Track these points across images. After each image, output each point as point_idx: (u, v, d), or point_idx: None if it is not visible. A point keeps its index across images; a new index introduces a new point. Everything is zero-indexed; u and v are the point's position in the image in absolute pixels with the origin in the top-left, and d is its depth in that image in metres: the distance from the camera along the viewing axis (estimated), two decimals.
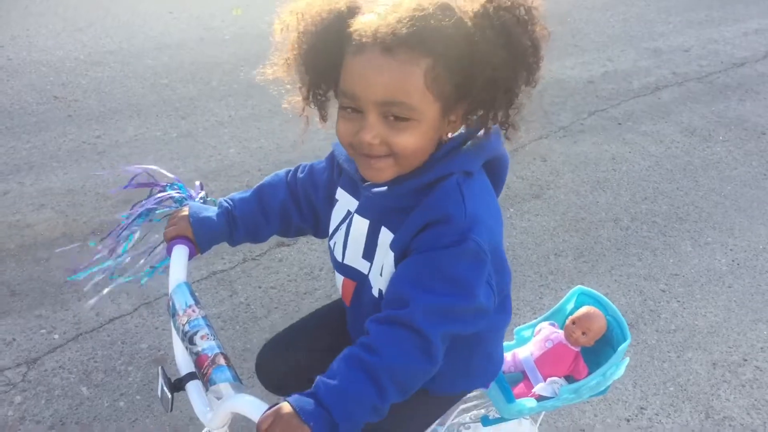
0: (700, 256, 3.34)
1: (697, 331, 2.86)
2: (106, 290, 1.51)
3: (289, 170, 1.57)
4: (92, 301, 1.54)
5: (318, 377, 1.15)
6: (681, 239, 3.46)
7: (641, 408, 2.47)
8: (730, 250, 3.40)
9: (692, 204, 3.78)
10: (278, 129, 4.05)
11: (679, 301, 3.02)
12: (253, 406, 1.12)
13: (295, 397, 1.11)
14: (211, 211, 1.48)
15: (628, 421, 2.41)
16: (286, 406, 1.09)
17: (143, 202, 1.50)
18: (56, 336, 2.53)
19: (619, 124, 4.66)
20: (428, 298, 1.19)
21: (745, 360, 2.73)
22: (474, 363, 1.51)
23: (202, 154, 3.82)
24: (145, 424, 2.23)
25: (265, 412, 1.10)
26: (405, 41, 1.12)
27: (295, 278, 2.96)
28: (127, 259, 1.47)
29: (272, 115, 4.18)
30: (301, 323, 1.72)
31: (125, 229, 1.47)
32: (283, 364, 1.66)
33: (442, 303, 1.20)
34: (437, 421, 1.70)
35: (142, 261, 1.48)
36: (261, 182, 1.56)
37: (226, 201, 1.52)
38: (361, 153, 1.22)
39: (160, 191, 1.50)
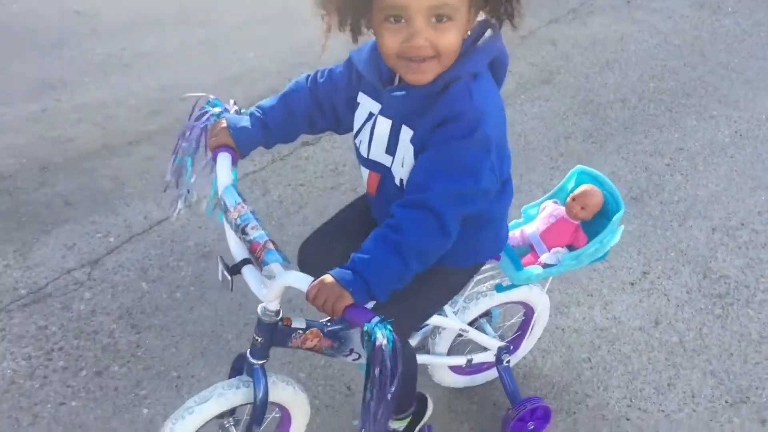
0: (704, 130, 3.50)
1: (698, 200, 3.07)
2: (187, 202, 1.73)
3: (309, 75, 1.74)
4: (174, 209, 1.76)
5: (353, 254, 1.39)
6: (686, 114, 3.61)
7: (644, 272, 2.72)
8: (734, 122, 3.56)
9: (699, 79, 3.89)
10: (292, 30, 4.16)
11: (682, 174, 3.22)
12: (301, 279, 1.37)
13: (335, 270, 1.36)
14: (246, 121, 1.68)
15: (632, 284, 2.67)
16: (328, 277, 1.34)
17: (186, 124, 1.69)
18: (111, 239, 2.81)
19: (628, 2, 4.70)
20: (444, 185, 1.41)
21: (743, 224, 2.94)
22: (484, 238, 1.74)
23: (222, 60, 3.97)
24: (200, 311, 2.52)
25: (312, 283, 1.34)
26: None
27: (322, 175, 3.18)
28: (193, 179, 1.69)
29: (285, 16, 4.28)
30: (332, 220, 1.95)
31: (182, 154, 1.68)
32: (321, 256, 1.89)
33: (455, 187, 1.42)
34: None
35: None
36: (285, 90, 1.73)
37: (257, 110, 1.71)
38: (408, 59, 1.39)
39: (201, 111, 1.69)
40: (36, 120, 3.44)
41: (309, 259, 1.92)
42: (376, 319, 1.30)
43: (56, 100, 3.60)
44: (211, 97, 1.72)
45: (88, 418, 2.15)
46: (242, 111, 1.75)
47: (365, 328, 1.29)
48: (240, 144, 1.65)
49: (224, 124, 1.65)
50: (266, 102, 1.73)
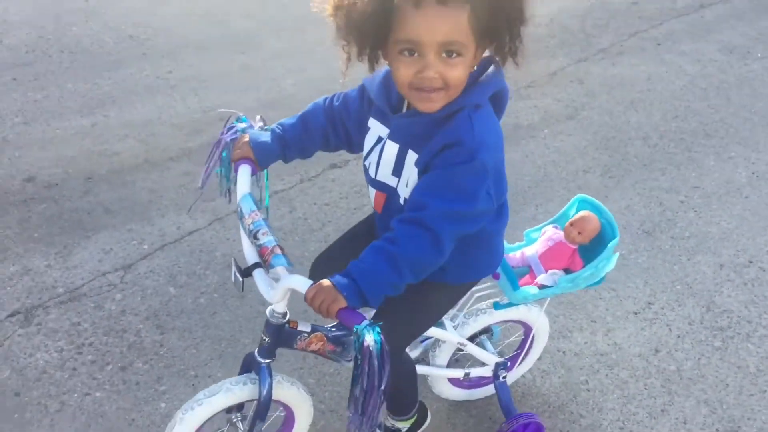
0: (721, 170, 3.58)
1: (709, 237, 3.14)
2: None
3: (327, 98, 1.91)
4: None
5: (351, 262, 1.53)
6: (705, 154, 3.70)
7: (649, 303, 2.80)
8: (752, 163, 3.62)
9: (721, 121, 3.97)
10: (328, 60, 4.35)
11: (695, 211, 3.30)
12: (301, 282, 1.51)
13: (334, 275, 1.50)
14: (266, 136, 1.84)
15: (636, 313, 2.75)
16: (326, 281, 1.48)
17: (220, 137, 1.87)
18: (146, 246, 3.00)
19: (659, 44, 4.81)
20: (441, 204, 1.54)
21: (751, 262, 3.01)
22: (480, 257, 1.87)
23: (262, 86, 4.19)
24: (222, 316, 2.69)
25: (311, 286, 1.49)
26: None
27: (347, 195, 3.34)
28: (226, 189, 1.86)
29: (324, 45, 4.48)
30: (342, 237, 2.10)
31: (213, 163, 1.86)
32: (330, 270, 2.03)
33: (450, 208, 1.56)
34: (457, 307, 2.08)
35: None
36: (304, 110, 1.91)
37: (277, 127, 1.88)
38: (419, 89, 1.53)
39: (229, 127, 1.87)
40: (85, 134, 3.69)
41: (319, 273, 2.06)
42: (366, 322, 1.43)
43: (105, 116, 3.85)
44: (240, 114, 1.90)
45: (110, 408, 2.32)
46: (266, 128, 1.92)
47: (355, 330, 1.43)
48: (259, 157, 1.82)
49: (247, 138, 1.82)
50: (287, 120, 1.90)
